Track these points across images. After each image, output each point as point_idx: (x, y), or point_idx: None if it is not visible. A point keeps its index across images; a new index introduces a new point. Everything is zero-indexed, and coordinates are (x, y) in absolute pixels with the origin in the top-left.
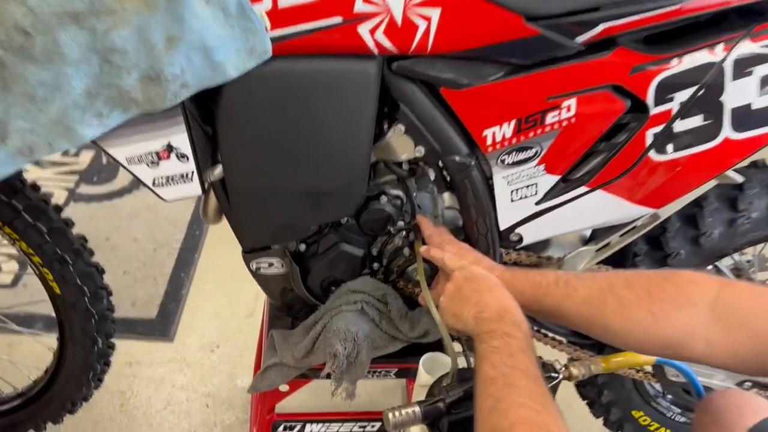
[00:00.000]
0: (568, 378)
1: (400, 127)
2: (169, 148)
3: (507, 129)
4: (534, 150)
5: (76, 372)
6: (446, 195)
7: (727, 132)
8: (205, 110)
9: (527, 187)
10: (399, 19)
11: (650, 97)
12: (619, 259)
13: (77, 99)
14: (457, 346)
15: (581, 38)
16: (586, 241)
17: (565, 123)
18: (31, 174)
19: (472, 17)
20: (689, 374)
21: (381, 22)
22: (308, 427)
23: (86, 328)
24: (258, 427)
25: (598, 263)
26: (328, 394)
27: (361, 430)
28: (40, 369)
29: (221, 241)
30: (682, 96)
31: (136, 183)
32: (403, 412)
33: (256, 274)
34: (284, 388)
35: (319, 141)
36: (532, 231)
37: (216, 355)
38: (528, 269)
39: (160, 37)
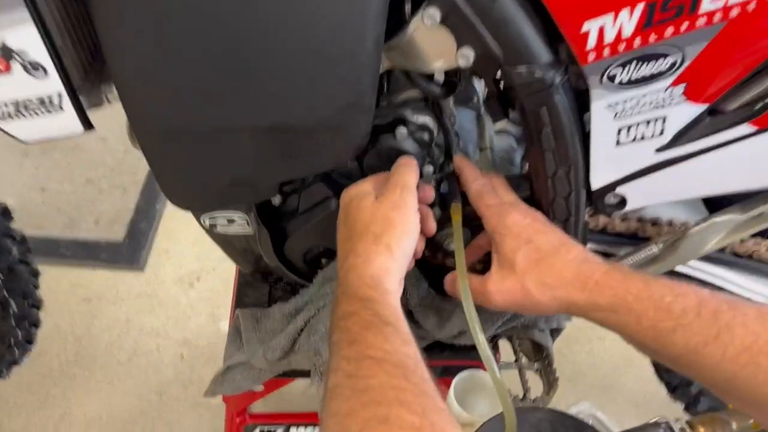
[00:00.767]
0: None
1: (433, 13)
2: (6, 53)
3: (627, 21)
4: (670, 60)
5: None
6: (501, 128)
7: None
8: None
9: (648, 123)
10: None
11: None
12: None
13: None
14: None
15: None
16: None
17: (733, 13)
18: None
19: None
20: None
21: None
22: (292, 430)
23: None
24: (228, 430)
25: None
26: (316, 390)
27: None
28: None
29: None
30: None
31: None
32: None
33: (211, 233)
34: (259, 387)
35: (287, 37)
36: (644, 192)
37: (195, 291)
38: (644, 275)
39: None
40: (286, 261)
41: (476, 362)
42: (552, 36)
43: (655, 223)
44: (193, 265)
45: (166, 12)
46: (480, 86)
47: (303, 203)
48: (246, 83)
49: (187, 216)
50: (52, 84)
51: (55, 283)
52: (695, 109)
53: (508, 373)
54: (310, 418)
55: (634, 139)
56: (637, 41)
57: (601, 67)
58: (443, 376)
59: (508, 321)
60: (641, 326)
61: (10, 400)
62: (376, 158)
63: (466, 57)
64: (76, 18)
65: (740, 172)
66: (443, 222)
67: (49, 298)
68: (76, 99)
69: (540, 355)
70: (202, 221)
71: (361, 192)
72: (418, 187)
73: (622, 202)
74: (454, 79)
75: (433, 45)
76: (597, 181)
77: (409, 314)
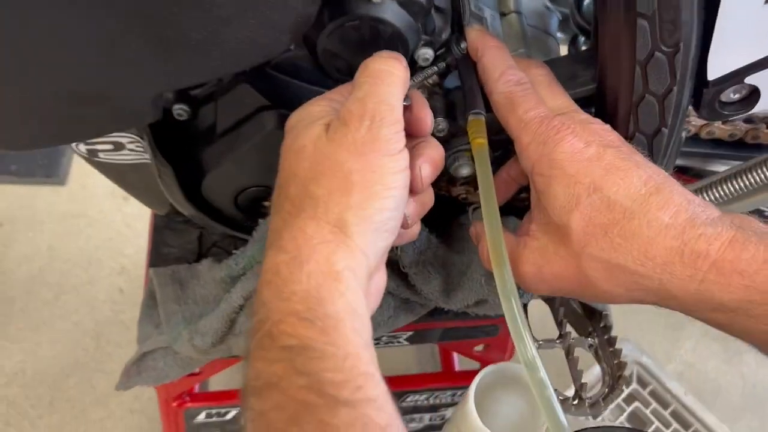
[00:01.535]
0: None
1: None
2: None
3: None
4: None
5: None
6: None
7: None
8: None
9: None
10: None
11: None
12: None
13: None
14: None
15: None
16: None
17: None
18: None
19: None
20: None
21: None
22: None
23: None
24: (165, 420)
25: None
26: None
27: None
28: None
29: None
30: None
31: None
32: None
33: (92, 162)
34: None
35: None
36: None
37: (132, 206)
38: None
39: None
40: (208, 206)
41: (491, 321)
42: None
43: None
44: None
45: None
46: None
47: (222, 118)
48: None
49: None
50: None
51: None
52: None
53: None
54: None
55: None
56: None
57: None
58: (444, 340)
59: None
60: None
61: None
62: (338, 41)
63: None
64: None
65: None
66: (452, 133)
67: None
68: None
69: (596, 324)
70: (74, 148)
71: (304, 118)
72: (407, 102)
73: (749, 98)
74: None
75: None
76: (719, 67)
77: (402, 277)
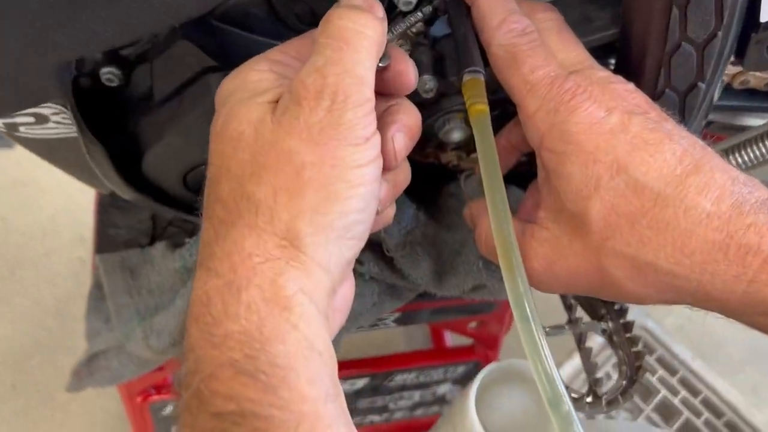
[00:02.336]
0: None
1: None
2: None
3: None
4: None
5: None
6: None
7: None
8: None
9: None
10: None
11: None
12: None
13: None
14: None
15: None
16: None
17: None
18: None
19: None
20: None
21: None
22: None
23: None
24: (131, 416)
25: None
26: None
27: None
28: None
29: None
30: None
31: None
32: None
33: (13, 137)
34: None
35: None
36: None
37: None
38: None
39: None
40: (152, 186)
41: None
42: None
43: None
44: None
45: None
46: None
47: (160, 83)
48: None
49: None
50: None
51: None
52: None
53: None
54: None
55: None
56: None
57: None
58: (434, 320)
59: None
60: None
61: None
62: None
63: None
64: None
65: None
66: (441, 92)
67: None
68: None
69: (609, 306)
70: None
71: (239, 89)
72: (385, 63)
73: None
74: None
75: None
76: None
77: (387, 261)
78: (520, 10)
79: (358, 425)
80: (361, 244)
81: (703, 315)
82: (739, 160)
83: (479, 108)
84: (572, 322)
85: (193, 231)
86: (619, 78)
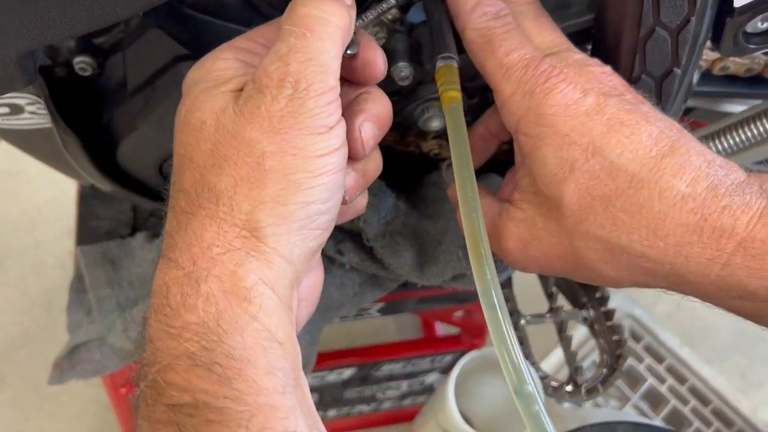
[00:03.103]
0: None
1: None
2: None
3: None
4: None
5: None
6: None
7: None
8: None
9: None
10: None
11: None
12: None
13: None
14: None
15: None
16: None
17: None
18: None
19: None
20: None
21: None
22: None
23: None
24: (116, 408)
25: None
26: None
27: None
28: None
29: None
30: None
31: None
32: None
33: None
34: None
35: None
36: None
37: None
38: None
39: None
40: (128, 177)
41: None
42: None
43: None
44: None
45: None
46: None
47: (133, 72)
48: None
49: None
50: None
51: None
52: None
53: (536, 331)
54: None
55: None
56: None
57: None
58: (419, 308)
59: None
60: None
61: None
62: None
63: None
64: None
65: None
66: (419, 80)
67: None
68: None
69: (590, 294)
70: None
71: (203, 78)
72: (353, 51)
73: None
74: None
75: None
76: None
77: (367, 250)
78: None
79: (346, 415)
80: (327, 234)
81: (693, 301)
82: (720, 146)
83: (451, 95)
84: (553, 310)
85: None
86: (596, 60)
